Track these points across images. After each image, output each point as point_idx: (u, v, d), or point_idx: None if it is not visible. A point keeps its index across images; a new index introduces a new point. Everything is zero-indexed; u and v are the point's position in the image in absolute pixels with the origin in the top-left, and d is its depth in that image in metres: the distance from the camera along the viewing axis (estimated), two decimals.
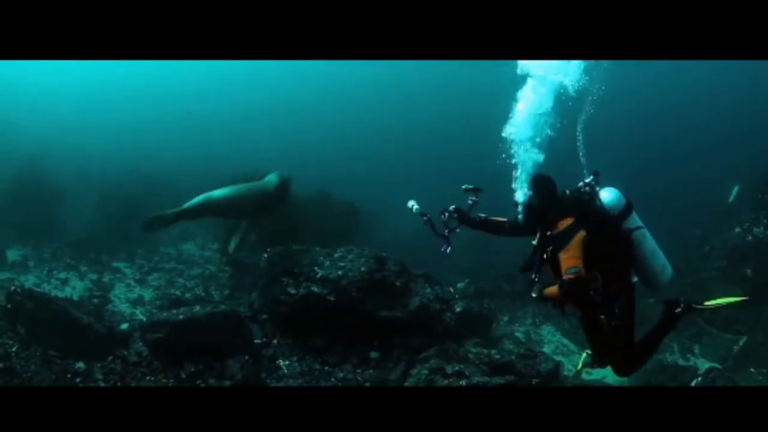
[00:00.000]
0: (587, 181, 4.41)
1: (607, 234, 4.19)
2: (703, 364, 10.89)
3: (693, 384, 8.62)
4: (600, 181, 4.40)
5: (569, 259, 3.93)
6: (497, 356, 7.13)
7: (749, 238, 13.53)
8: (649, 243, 4.39)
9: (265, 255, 8.23)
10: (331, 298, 7.17)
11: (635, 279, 4.41)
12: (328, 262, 7.43)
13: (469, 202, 4.64)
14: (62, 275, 12.21)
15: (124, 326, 8.81)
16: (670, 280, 4.51)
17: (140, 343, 7.39)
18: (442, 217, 4.66)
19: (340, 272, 7.25)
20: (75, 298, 10.67)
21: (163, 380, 6.76)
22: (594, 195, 4.31)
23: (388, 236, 13.26)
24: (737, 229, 13.81)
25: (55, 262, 12.91)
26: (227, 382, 6.71)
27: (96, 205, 16.20)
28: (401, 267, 7.67)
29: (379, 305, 7.28)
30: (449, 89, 33.91)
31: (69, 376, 6.55)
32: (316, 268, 7.38)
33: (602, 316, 4.17)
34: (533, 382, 6.95)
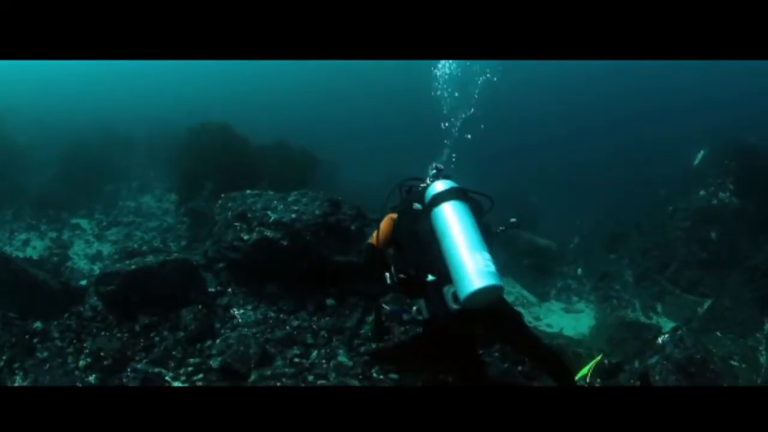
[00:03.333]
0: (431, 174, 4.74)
1: (406, 224, 4.51)
2: (666, 324, 10.86)
3: (660, 341, 8.47)
4: (444, 175, 4.65)
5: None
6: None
7: (714, 201, 13.49)
8: (447, 243, 4.00)
9: (219, 201, 7.90)
10: (285, 243, 6.74)
11: (431, 278, 4.17)
12: (281, 206, 7.02)
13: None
14: (23, 236, 11.93)
15: (83, 282, 8.55)
16: (471, 297, 3.77)
17: (96, 298, 7.03)
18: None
19: (293, 216, 6.81)
20: (35, 257, 10.47)
21: (118, 334, 6.45)
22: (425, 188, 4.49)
23: (347, 184, 13.09)
24: (702, 192, 13.77)
25: (16, 223, 12.60)
26: (181, 334, 6.44)
27: (56, 162, 15.81)
28: (357, 211, 7.26)
29: (334, 250, 6.92)
30: None
31: (27, 337, 6.28)
32: (269, 212, 6.94)
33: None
34: None
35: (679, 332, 9.17)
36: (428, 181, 4.58)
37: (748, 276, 11.03)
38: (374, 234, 4.67)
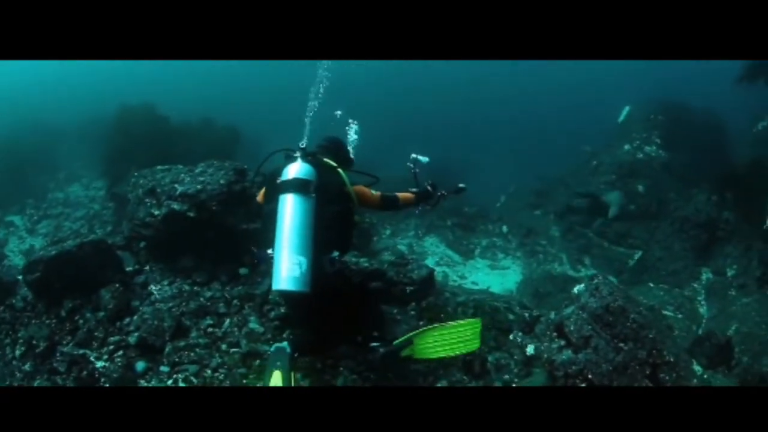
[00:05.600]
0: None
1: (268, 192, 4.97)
2: None
3: (575, 291, 8.47)
4: (309, 152, 4.77)
5: None
6: (366, 264, 6.91)
7: (640, 155, 13.70)
8: (277, 233, 4.31)
9: (132, 179, 7.76)
10: (191, 215, 6.68)
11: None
12: (188, 178, 6.87)
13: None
14: None
15: (19, 278, 8.39)
16: (276, 292, 4.46)
17: (25, 288, 6.93)
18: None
19: (199, 186, 6.70)
20: None
21: (47, 321, 6.45)
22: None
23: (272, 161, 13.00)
24: (626, 147, 13.99)
25: None
26: (101, 314, 6.39)
27: None
28: (263, 178, 7.24)
29: (240, 218, 6.87)
30: None
31: None
32: (176, 185, 6.83)
33: None
34: (407, 290, 6.75)
35: (595, 281, 9.28)
36: (293, 157, 4.65)
37: (679, 226, 11.17)
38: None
